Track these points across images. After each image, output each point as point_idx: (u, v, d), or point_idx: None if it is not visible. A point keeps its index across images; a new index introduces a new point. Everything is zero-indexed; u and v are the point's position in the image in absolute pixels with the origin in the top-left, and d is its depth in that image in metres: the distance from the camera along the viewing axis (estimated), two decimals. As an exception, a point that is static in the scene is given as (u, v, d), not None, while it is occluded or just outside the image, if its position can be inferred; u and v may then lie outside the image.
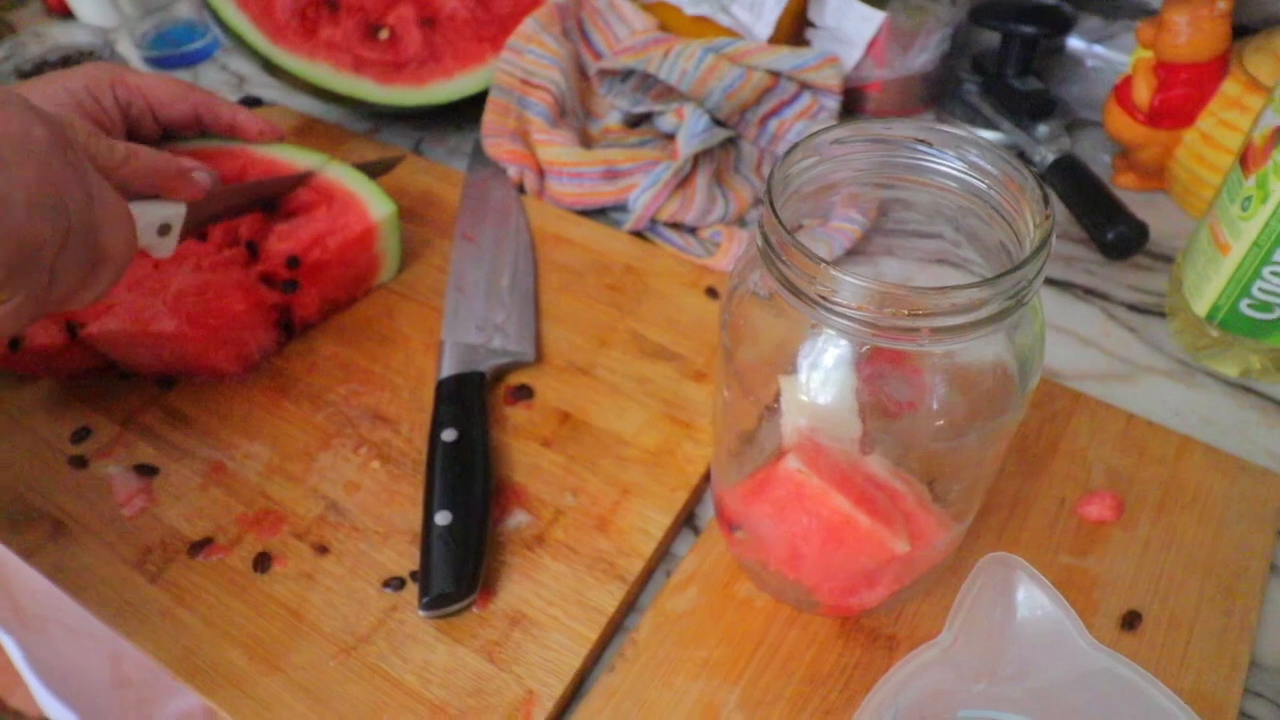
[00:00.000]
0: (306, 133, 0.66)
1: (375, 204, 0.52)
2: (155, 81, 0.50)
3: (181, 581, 0.41)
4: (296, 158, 0.53)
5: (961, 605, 0.25)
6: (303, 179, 0.52)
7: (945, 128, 0.29)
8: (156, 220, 0.42)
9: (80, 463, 0.46)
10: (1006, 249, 0.29)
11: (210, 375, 0.49)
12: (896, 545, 0.33)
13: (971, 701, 0.27)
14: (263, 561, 0.41)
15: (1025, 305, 0.26)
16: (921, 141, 0.30)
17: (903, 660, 0.24)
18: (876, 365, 0.29)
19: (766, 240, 0.27)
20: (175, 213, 0.43)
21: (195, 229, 0.45)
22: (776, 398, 0.31)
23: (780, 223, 0.26)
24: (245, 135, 0.53)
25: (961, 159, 0.29)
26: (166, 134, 0.53)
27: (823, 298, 0.26)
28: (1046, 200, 0.27)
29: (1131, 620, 0.38)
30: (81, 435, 0.47)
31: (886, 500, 0.33)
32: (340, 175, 0.53)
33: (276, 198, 0.52)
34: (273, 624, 0.39)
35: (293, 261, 0.49)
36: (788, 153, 0.29)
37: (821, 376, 0.30)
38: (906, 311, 0.25)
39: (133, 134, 0.51)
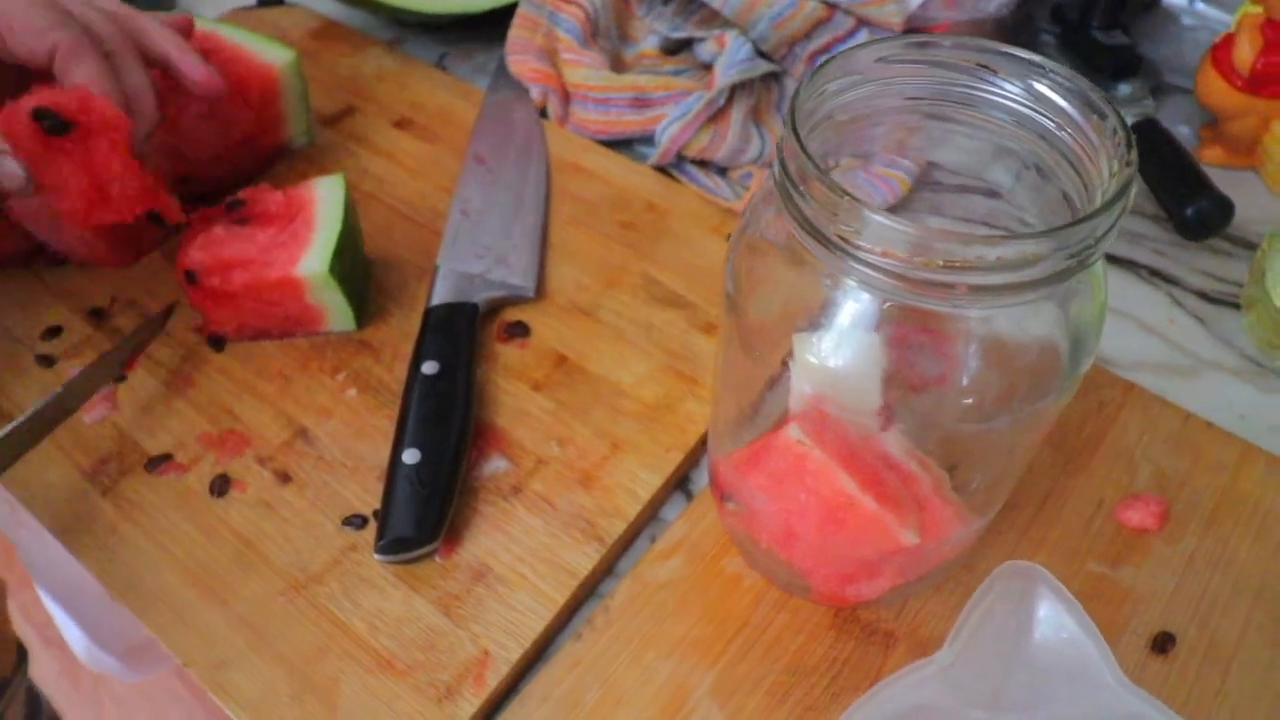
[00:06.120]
0: (325, 36, 0.62)
1: (270, 52, 0.50)
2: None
3: (134, 497, 0.38)
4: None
5: (969, 617, 0.21)
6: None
7: (1014, 50, 0.24)
8: None
9: (47, 361, 0.43)
10: (1070, 202, 0.25)
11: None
12: (904, 536, 0.29)
13: (969, 726, 0.23)
14: (221, 484, 0.38)
15: (1087, 269, 0.22)
16: (984, 67, 0.25)
17: (894, 675, 0.21)
18: (903, 328, 0.25)
19: (784, 169, 0.23)
20: None
21: None
22: (786, 360, 0.27)
23: (802, 146, 0.22)
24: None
25: (1029, 90, 0.24)
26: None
27: (843, 239, 0.22)
28: (1130, 144, 0.22)
29: (1163, 643, 0.34)
30: (52, 333, 0.44)
31: (899, 484, 0.29)
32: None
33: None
34: (222, 552, 0.36)
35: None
36: (820, 67, 0.24)
37: (836, 337, 0.25)
38: (941, 263, 0.20)
39: None
